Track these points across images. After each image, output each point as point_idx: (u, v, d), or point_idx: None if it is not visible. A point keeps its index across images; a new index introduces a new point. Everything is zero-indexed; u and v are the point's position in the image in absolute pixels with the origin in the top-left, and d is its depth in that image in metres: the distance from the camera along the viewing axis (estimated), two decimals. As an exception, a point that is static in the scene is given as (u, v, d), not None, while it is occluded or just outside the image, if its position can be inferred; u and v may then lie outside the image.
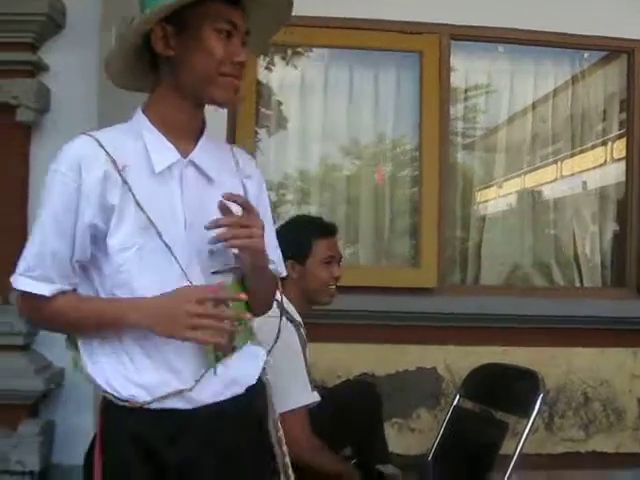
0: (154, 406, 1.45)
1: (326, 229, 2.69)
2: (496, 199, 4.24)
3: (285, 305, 2.51)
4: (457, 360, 3.64)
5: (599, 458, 3.86)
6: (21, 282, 1.47)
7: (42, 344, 3.36)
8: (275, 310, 2.47)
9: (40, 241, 1.46)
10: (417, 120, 3.90)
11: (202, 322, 1.40)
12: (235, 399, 1.52)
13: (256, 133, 3.89)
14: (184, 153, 1.51)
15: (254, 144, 3.84)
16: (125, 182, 1.44)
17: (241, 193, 1.57)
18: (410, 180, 4.03)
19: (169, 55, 1.47)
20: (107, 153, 1.44)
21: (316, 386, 2.57)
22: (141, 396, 1.45)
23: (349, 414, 2.72)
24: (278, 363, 2.35)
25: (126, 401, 1.46)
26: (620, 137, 4.18)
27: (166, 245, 1.45)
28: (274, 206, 3.98)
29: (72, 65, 3.34)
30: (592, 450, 3.87)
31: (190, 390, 1.46)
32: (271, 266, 1.66)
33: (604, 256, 4.16)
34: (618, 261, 4.12)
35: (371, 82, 3.98)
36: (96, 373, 1.49)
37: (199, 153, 1.53)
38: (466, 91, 4.15)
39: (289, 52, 3.96)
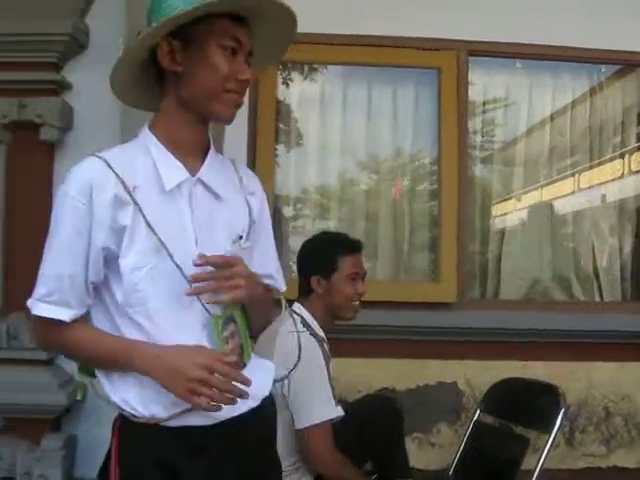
0: (173, 424, 1.46)
1: (352, 245, 2.72)
2: (515, 212, 4.24)
3: (308, 321, 2.55)
4: (477, 375, 3.64)
5: (620, 473, 3.83)
6: (39, 307, 1.47)
7: (65, 359, 3.39)
8: (297, 325, 2.51)
9: (56, 266, 1.46)
10: (435, 135, 3.91)
11: (203, 391, 1.39)
12: (250, 412, 1.53)
13: (275, 149, 3.93)
14: (192, 171, 1.52)
15: (273, 160, 3.88)
16: (136, 203, 1.45)
17: (245, 210, 1.61)
18: (428, 194, 4.05)
19: (175, 70, 1.48)
20: (116, 175, 1.44)
21: (339, 401, 2.59)
22: (160, 413, 1.46)
23: (370, 429, 2.73)
24: (302, 378, 2.39)
25: (144, 419, 1.46)
26: (638, 149, 4.18)
27: (177, 266, 1.46)
28: (292, 220, 4.01)
29: (95, 84, 3.36)
30: (613, 465, 3.84)
31: None
32: (268, 281, 1.67)
33: (624, 270, 4.15)
34: (638, 274, 4.11)
35: (389, 98, 4.00)
36: (113, 392, 1.49)
37: (207, 171, 1.54)
38: (484, 105, 4.17)
39: (307, 69, 4.00)
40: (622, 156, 4.25)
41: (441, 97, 3.87)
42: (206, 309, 1.48)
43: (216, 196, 1.55)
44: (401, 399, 3.32)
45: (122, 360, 1.45)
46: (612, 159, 4.25)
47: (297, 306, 2.62)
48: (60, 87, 3.41)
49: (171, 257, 1.45)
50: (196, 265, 1.43)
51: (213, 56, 1.46)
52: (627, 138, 4.24)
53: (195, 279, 1.44)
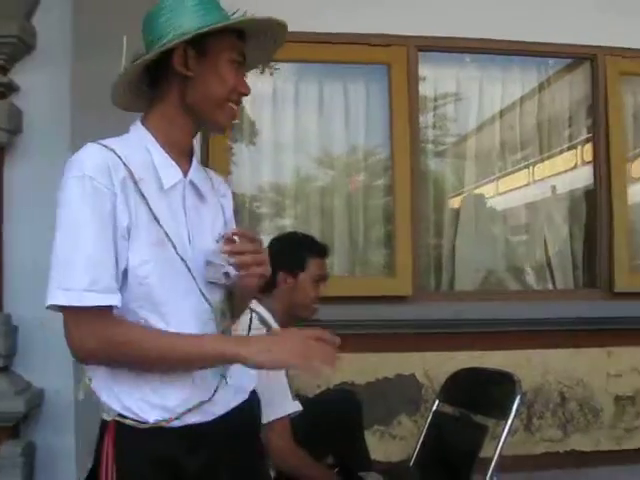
0: (176, 424, 1.47)
1: (322, 249, 2.83)
2: (468, 205, 4.26)
3: (266, 318, 2.56)
4: (435, 366, 3.68)
5: (578, 457, 3.91)
6: (88, 298, 1.37)
7: (20, 365, 3.36)
8: (255, 322, 2.52)
9: (91, 251, 1.39)
10: (388, 130, 3.94)
11: (316, 351, 1.41)
12: (242, 405, 1.60)
13: (229, 148, 3.92)
14: (182, 172, 1.58)
15: (228, 158, 3.87)
16: (142, 195, 1.47)
17: (220, 211, 1.69)
18: (383, 190, 4.07)
19: (186, 75, 1.53)
20: (124, 163, 1.45)
21: (298, 396, 2.61)
22: (164, 417, 1.47)
23: (330, 423, 2.76)
24: (259, 375, 2.40)
25: (149, 423, 1.46)
26: (587, 141, 4.25)
27: (182, 259, 1.50)
28: (250, 219, 4.01)
29: (43, 86, 3.35)
30: (571, 449, 3.92)
31: (209, 401, 1.50)
32: None
33: (575, 258, 4.23)
34: (589, 262, 4.19)
35: (341, 95, 4.03)
36: (112, 400, 1.48)
37: (194, 173, 1.61)
38: (436, 99, 4.21)
39: (260, 67, 3.99)
40: (572, 148, 4.33)
41: (392, 93, 3.90)
42: (207, 300, 1.53)
43: (202, 197, 1.62)
44: (361, 393, 3.33)
45: (208, 349, 1.44)
46: (562, 151, 4.33)
47: (254, 303, 2.64)
48: (8, 90, 3.36)
49: (175, 249, 1.49)
50: (233, 235, 1.52)
51: (224, 68, 1.55)
52: (577, 130, 4.32)
53: (234, 252, 1.50)
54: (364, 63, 3.95)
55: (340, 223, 4.01)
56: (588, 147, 4.26)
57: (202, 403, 1.49)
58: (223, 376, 1.53)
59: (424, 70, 4.03)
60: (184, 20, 1.52)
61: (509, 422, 2.81)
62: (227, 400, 1.55)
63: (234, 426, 1.55)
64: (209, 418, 1.51)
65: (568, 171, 4.34)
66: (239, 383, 1.59)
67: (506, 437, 2.81)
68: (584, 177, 4.27)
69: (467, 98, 4.23)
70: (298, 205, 4.09)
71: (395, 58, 3.90)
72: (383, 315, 3.67)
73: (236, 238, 1.53)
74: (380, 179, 4.11)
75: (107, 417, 1.49)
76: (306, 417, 2.53)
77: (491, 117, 4.29)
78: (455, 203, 4.27)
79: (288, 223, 4.03)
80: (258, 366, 1.44)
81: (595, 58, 4.14)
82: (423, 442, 3.22)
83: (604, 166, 4.12)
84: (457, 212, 4.23)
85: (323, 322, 3.28)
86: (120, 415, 1.47)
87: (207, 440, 1.50)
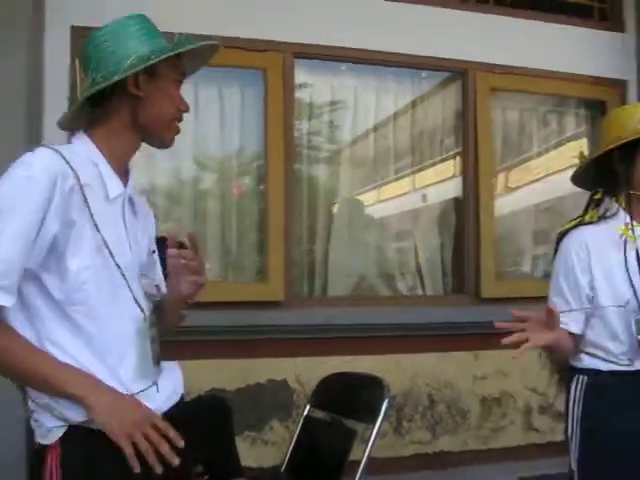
0: None
1: None
2: (342, 212, 4.33)
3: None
4: (307, 371, 3.70)
5: (446, 457, 4.03)
6: None
7: None
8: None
9: (9, 249, 1.42)
10: (263, 135, 3.94)
11: (142, 443, 1.47)
12: (174, 407, 1.70)
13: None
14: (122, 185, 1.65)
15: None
16: (85, 201, 1.51)
17: (146, 227, 1.76)
18: (257, 195, 4.06)
19: (137, 95, 1.61)
20: (72, 169, 1.49)
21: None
22: None
23: (199, 430, 2.69)
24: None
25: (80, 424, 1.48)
26: (459, 154, 4.39)
27: (118, 266, 1.55)
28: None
29: None
30: (440, 450, 4.04)
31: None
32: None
33: (445, 265, 4.37)
34: (458, 270, 4.34)
35: (216, 98, 3.99)
36: (52, 417, 1.49)
37: (130, 187, 1.67)
38: (312, 107, 4.24)
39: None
40: (444, 160, 4.45)
41: (267, 98, 3.91)
42: (140, 307, 1.60)
43: (135, 211, 1.69)
44: (232, 399, 3.29)
45: (58, 382, 1.46)
46: (434, 163, 4.46)
47: None
48: None
49: (112, 257, 1.54)
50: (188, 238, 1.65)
51: (171, 88, 1.67)
52: (449, 143, 4.45)
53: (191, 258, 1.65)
54: (240, 67, 3.94)
55: (213, 227, 3.97)
56: (459, 160, 4.39)
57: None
58: (155, 384, 1.62)
59: (300, 77, 4.06)
60: (135, 46, 1.60)
61: (377, 425, 2.85)
62: (162, 401, 1.64)
63: (171, 424, 1.59)
64: None
65: (439, 182, 4.48)
66: (171, 386, 1.70)
67: (374, 440, 2.85)
68: (454, 189, 4.42)
69: (343, 107, 4.29)
70: (173, 209, 4.04)
71: (271, 64, 3.90)
72: (255, 320, 3.66)
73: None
74: (255, 184, 4.10)
75: (48, 439, 1.50)
76: (174, 426, 2.48)
77: (366, 126, 4.37)
78: (329, 209, 4.31)
79: (162, 227, 3.94)
80: (93, 417, 1.47)
81: (466, 73, 4.29)
82: (294, 447, 3.22)
83: (472, 179, 4.28)
84: (331, 218, 4.28)
85: (195, 328, 3.24)
86: (67, 427, 1.49)
87: None
